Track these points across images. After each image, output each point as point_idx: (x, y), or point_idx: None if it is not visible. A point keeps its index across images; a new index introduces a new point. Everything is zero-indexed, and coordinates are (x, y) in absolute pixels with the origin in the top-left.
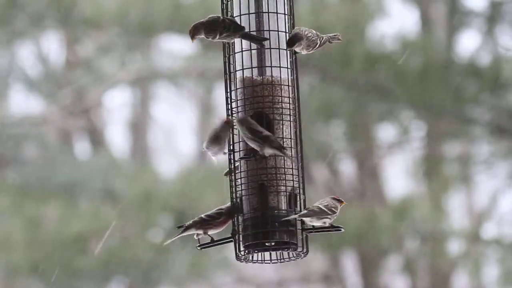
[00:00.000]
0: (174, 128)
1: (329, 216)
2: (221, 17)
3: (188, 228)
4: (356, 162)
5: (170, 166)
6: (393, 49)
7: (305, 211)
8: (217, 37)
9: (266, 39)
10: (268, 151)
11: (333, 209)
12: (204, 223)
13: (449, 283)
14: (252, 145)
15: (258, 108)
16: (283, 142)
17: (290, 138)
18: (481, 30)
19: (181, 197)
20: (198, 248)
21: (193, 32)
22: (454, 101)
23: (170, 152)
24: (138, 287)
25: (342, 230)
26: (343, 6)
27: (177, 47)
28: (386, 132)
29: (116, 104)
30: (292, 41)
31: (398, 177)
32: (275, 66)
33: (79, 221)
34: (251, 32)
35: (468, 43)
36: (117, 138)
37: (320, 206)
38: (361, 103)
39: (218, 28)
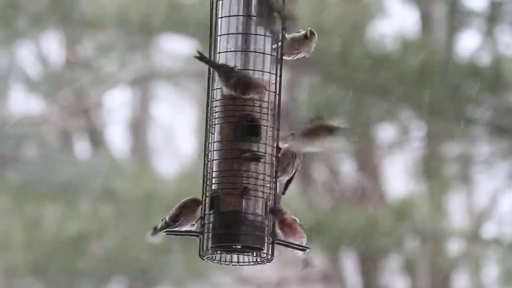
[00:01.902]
0: (174, 128)
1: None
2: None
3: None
4: (356, 162)
5: (170, 166)
6: (393, 49)
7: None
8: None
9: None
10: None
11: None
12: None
13: (449, 283)
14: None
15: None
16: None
17: (271, 145)
18: (481, 30)
19: (181, 197)
20: (164, 233)
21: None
22: (454, 101)
23: (170, 152)
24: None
25: (308, 250)
26: (343, 6)
27: (177, 47)
28: (386, 132)
29: (116, 104)
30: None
31: (398, 177)
32: (258, 70)
33: (78, 221)
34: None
35: (468, 43)
36: (117, 138)
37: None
38: (361, 103)
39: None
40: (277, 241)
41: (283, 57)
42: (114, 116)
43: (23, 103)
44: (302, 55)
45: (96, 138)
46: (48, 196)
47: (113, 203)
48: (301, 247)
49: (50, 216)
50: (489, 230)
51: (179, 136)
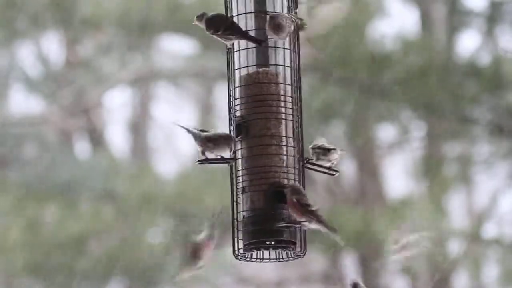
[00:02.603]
0: (174, 128)
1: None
2: (228, 17)
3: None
4: (356, 162)
5: (170, 166)
6: (393, 49)
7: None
8: (218, 32)
9: (263, 40)
10: (313, 226)
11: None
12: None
13: (449, 283)
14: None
15: (261, 106)
16: (287, 140)
17: (293, 138)
18: (481, 30)
19: (181, 197)
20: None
21: (198, 18)
22: (454, 101)
23: (170, 152)
24: None
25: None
26: (343, 6)
27: (177, 47)
28: (386, 132)
29: (116, 104)
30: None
31: (398, 177)
32: (277, 64)
33: (78, 221)
34: (250, 31)
35: (468, 43)
36: (117, 138)
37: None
38: (361, 103)
39: (221, 25)
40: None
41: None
42: (114, 116)
43: (23, 103)
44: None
45: (96, 138)
46: (48, 196)
47: (113, 203)
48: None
49: (50, 216)
50: (489, 230)
51: (179, 136)
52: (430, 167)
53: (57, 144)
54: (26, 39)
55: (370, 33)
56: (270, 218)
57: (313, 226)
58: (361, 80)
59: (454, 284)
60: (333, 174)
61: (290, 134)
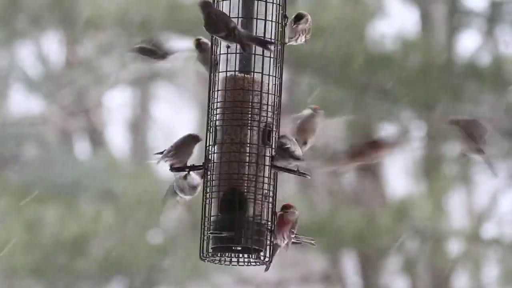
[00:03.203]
0: (174, 128)
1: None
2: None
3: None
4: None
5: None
6: (393, 49)
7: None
8: (218, 35)
9: (272, 43)
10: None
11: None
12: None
13: (449, 283)
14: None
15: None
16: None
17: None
18: (481, 30)
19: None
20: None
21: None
22: (454, 101)
23: None
24: None
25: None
26: (343, 6)
27: (177, 47)
28: (386, 132)
29: (116, 104)
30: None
31: (398, 177)
32: (258, 72)
33: (78, 221)
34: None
35: (468, 43)
36: (117, 138)
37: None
38: (361, 103)
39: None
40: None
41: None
42: (114, 116)
43: (23, 103)
44: (301, 39)
45: (96, 138)
46: (48, 196)
47: (113, 203)
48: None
49: (50, 216)
50: (489, 230)
51: (179, 136)
52: (430, 167)
53: (57, 144)
54: (26, 39)
55: (370, 33)
56: (236, 225)
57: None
58: (361, 80)
59: (454, 284)
60: (304, 176)
61: (261, 142)
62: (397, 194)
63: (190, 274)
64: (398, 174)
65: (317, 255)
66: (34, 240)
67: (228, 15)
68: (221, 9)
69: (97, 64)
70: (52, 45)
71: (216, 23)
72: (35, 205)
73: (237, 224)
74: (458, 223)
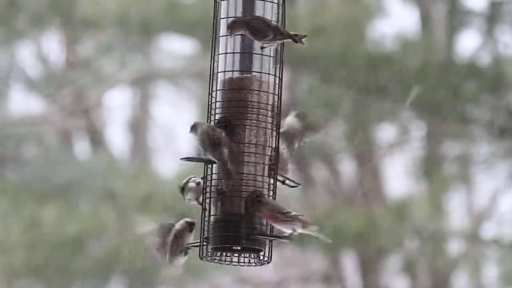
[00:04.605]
0: (174, 128)
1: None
2: (271, 22)
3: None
4: (356, 162)
5: (170, 166)
6: (393, 49)
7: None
8: (267, 38)
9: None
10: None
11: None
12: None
13: (449, 283)
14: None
15: (240, 112)
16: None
17: (268, 146)
18: (481, 30)
19: (181, 197)
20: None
21: (232, 28)
22: (454, 101)
23: (170, 152)
24: None
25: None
26: (343, 6)
27: (177, 47)
28: (386, 132)
29: (116, 104)
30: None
31: (398, 177)
32: (258, 72)
33: (78, 221)
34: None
35: (468, 43)
36: (117, 138)
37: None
38: (361, 103)
39: (269, 30)
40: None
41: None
42: (114, 116)
43: (23, 103)
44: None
45: (96, 138)
46: (47, 196)
47: (113, 203)
48: (284, 238)
49: (50, 217)
50: (489, 230)
51: (179, 136)
52: (430, 167)
53: (57, 144)
54: (26, 39)
55: (370, 33)
56: (240, 225)
57: (299, 231)
58: (361, 80)
59: (454, 284)
60: (294, 186)
61: (267, 142)
62: (397, 194)
63: (190, 274)
64: (398, 174)
65: (317, 255)
66: (33, 240)
67: (227, 15)
68: (222, 10)
69: (97, 64)
70: (52, 45)
71: (259, 28)
72: (35, 205)
73: (237, 223)
74: (458, 223)
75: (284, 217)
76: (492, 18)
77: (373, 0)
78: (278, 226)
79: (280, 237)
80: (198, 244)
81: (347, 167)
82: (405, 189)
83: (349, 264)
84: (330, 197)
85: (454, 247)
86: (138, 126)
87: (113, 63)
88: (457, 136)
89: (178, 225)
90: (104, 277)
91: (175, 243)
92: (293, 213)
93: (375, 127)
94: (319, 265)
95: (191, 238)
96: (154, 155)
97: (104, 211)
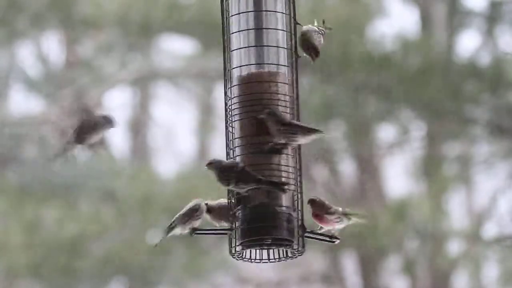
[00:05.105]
0: (174, 128)
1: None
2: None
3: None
4: (356, 162)
5: (170, 166)
6: (393, 49)
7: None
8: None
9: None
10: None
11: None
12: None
13: (449, 283)
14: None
15: (254, 105)
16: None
17: None
18: (481, 30)
19: (181, 197)
20: (193, 235)
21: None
22: (454, 101)
23: (170, 152)
24: None
25: (336, 242)
26: (343, 6)
27: (177, 47)
28: (386, 132)
29: (116, 104)
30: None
31: (398, 177)
32: (273, 64)
33: (78, 221)
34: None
35: (468, 43)
36: (117, 138)
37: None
38: (361, 103)
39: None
40: (306, 234)
41: None
42: (114, 116)
43: (23, 103)
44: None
45: None
46: (48, 196)
47: (113, 204)
48: (329, 240)
49: (50, 217)
50: (489, 230)
51: (179, 136)
52: (430, 167)
53: (57, 144)
54: (26, 39)
55: (370, 33)
56: (270, 216)
57: (343, 225)
58: (361, 80)
59: (454, 284)
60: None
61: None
62: (397, 194)
63: (190, 274)
64: (398, 174)
65: (317, 255)
66: (33, 240)
67: (238, 10)
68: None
69: (97, 64)
70: (52, 45)
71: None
72: (35, 205)
73: (267, 215)
74: (458, 223)
75: (330, 215)
76: (492, 18)
77: (373, 0)
78: (324, 225)
79: (329, 238)
80: (228, 231)
81: (347, 167)
82: (405, 189)
83: (349, 264)
84: (330, 197)
85: (454, 247)
86: (138, 126)
87: (113, 63)
88: (457, 136)
89: (203, 204)
90: (104, 277)
91: (189, 216)
92: (336, 209)
93: (375, 127)
94: (319, 265)
95: (198, 223)
96: (154, 155)
97: (104, 211)
